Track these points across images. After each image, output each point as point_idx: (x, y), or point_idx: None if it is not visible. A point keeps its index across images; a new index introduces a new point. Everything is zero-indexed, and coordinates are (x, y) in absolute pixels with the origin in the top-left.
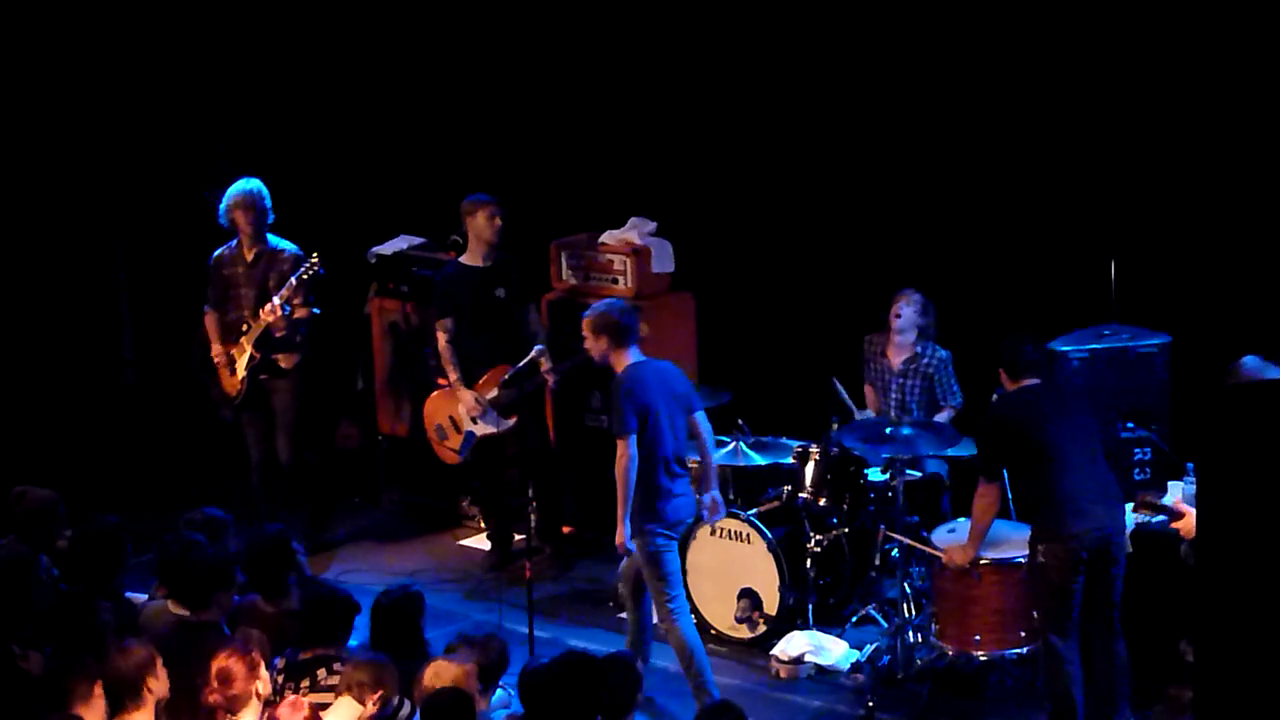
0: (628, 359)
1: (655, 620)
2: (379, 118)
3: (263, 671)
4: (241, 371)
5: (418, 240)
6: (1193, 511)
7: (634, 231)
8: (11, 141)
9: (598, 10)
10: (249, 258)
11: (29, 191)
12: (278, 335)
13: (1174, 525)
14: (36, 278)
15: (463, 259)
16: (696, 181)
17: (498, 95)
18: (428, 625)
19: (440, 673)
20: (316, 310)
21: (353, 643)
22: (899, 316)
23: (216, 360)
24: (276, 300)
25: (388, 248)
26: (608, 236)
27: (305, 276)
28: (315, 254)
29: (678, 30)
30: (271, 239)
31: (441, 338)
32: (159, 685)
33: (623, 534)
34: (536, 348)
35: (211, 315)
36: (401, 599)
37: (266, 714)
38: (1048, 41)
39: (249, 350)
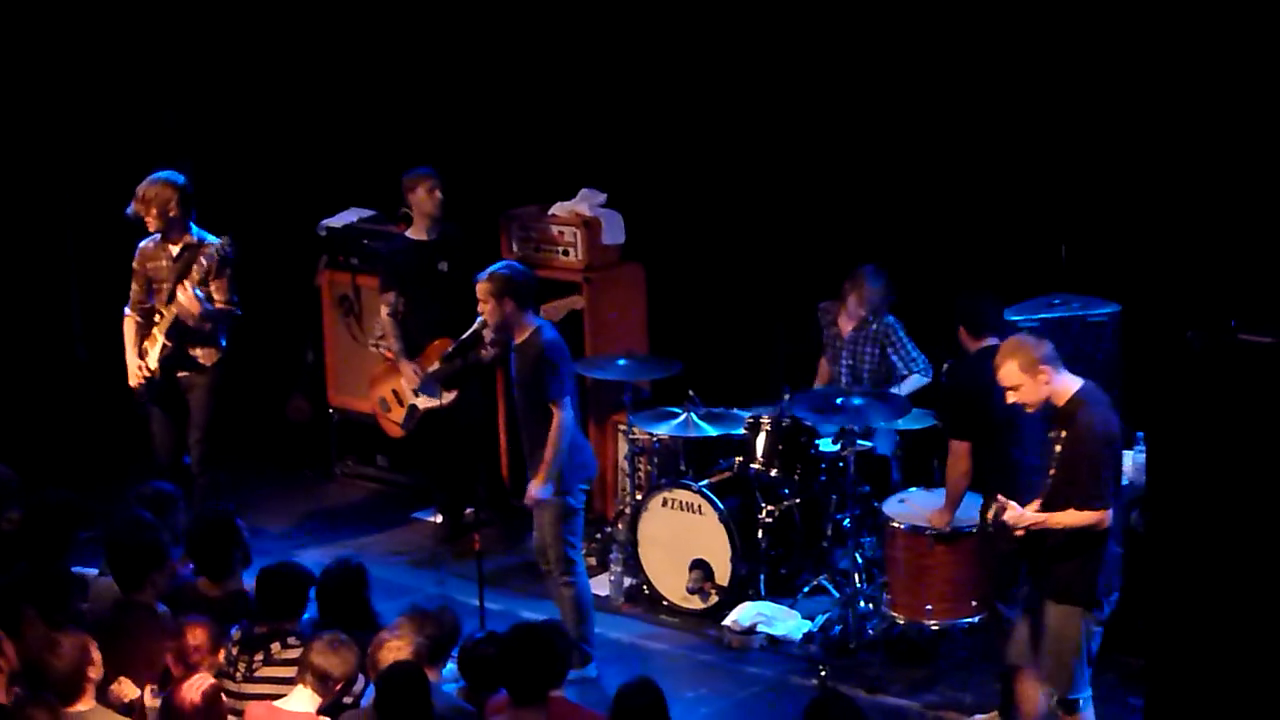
0: (533, 324)
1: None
2: (329, 90)
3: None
4: (154, 364)
5: (368, 213)
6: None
7: (584, 203)
8: None
9: None
10: (173, 251)
11: None
12: (191, 325)
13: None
14: None
15: (408, 233)
16: (646, 153)
17: (448, 66)
18: (378, 598)
19: (388, 648)
20: (238, 312)
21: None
22: (870, 299)
23: (141, 374)
24: (188, 285)
25: (338, 220)
26: (558, 208)
27: (217, 258)
28: (226, 235)
29: (629, 3)
30: (195, 231)
31: (383, 310)
32: (96, 671)
33: (541, 489)
34: (478, 320)
35: (132, 321)
36: (343, 573)
37: (170, 690)
38: (998, 17)
39: (160, 339)
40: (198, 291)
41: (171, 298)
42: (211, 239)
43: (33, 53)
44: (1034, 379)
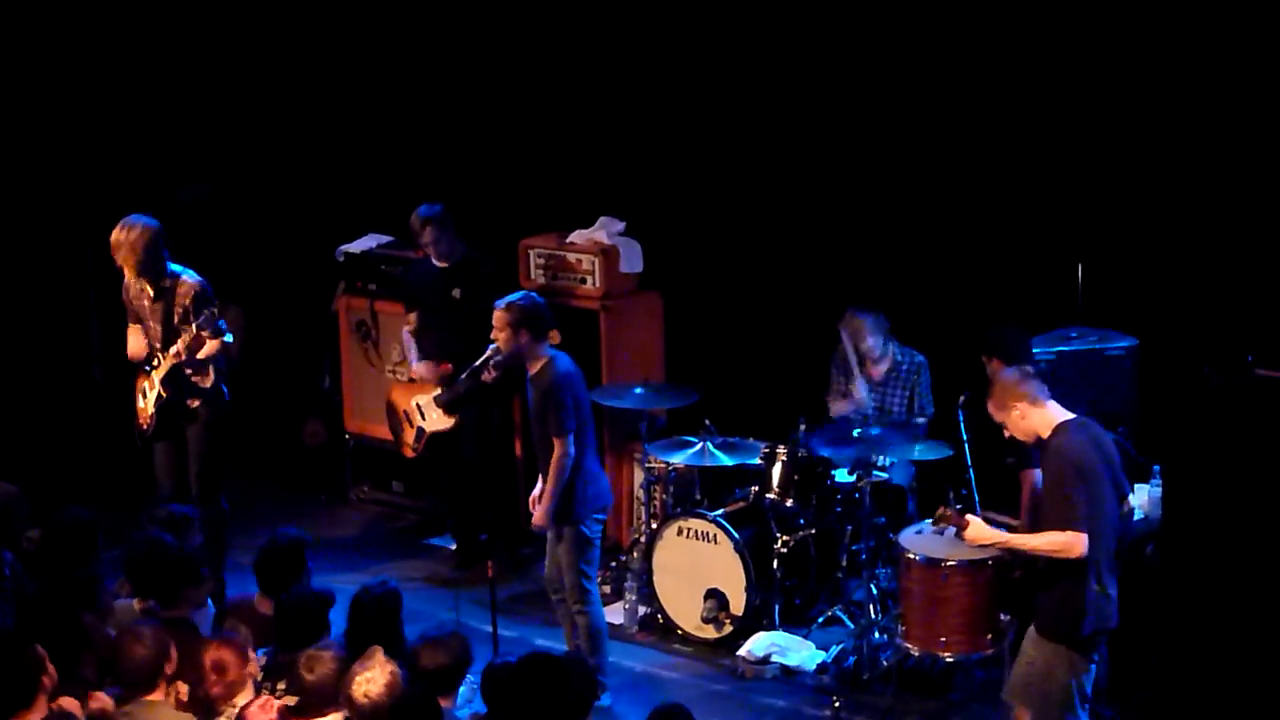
0: (546, 355)
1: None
2: (349, 117)
3: (253, 655)
4: (150, 408)
5: (386, 239)
6: (973, 519)
7: (602, 231)
8: None
9: (569, 10)
10: (151, 292)
11: None
12: (192, 378)
13: (962, 534)
14: (3, 272)
15: (433, 259)
16: (665, 181)
17: (468, 94)
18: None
19: (359, 680)
20: (229, 338)
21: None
22: (869, 346)
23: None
24: (179, 346)
25: (356, 246)
26: (576, 236)
27: (193, 296)
28: (228, 335)
29: (648, 31)
30: (172, 268)
31: (405, 329)
32: (172, 666)
33: (545, 518)
34: (491, 347)
35: (135, 330)
36: (382, 595)
37: (238, 713)
38: (1015, 46)
39: (158, 389)
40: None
41: (166, 343)
42: (191, 276)
43: (57, 73)
44: (1008, 414)
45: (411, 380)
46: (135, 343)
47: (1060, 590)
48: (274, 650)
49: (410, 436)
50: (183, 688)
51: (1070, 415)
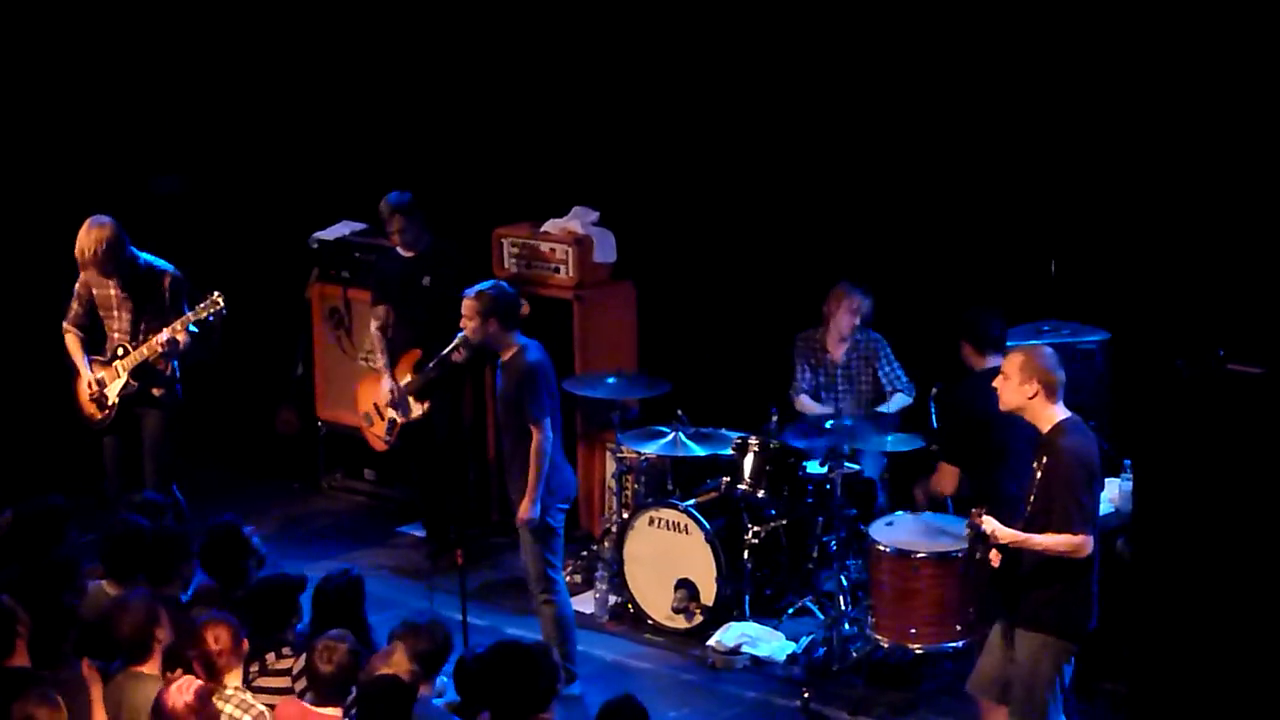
0: (518, 343)
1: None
2: (322, 103)
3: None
4: (113, 398)
5: (359, 226)
6: (987, 518)
7: (576, 221)
8: None
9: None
10: (116, 283)
11: None
12: (157, 365)
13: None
14: None
15: (398, 248)
16: (639, 172)
17: (442, 81)
18: (366, 612)
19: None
20: (194, 329)
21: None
22: (851, 322)
23: (91, 391)
24: (166, 335)
25: (330, 233)
26: (550, 225)
27: (206, 318)
28: (217, 293)
29: (621, 19)
30: (144, 258)
31: (372, 324)
32: (164, 634)
33: (530, 510)
34: (459, 335)
35: (74, 336)
36: (343, 585)
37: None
38: (990, 37)
39: (124, 377)
40: (193, 328)
41: (134, 334)
42: (164, 266)
43: (42, 64)
44: (1019, 385)
45: (377, 372)
46: (75, 347)
47: (1057, 586)
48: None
49: (381, 429)
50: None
51: (1066, 412)
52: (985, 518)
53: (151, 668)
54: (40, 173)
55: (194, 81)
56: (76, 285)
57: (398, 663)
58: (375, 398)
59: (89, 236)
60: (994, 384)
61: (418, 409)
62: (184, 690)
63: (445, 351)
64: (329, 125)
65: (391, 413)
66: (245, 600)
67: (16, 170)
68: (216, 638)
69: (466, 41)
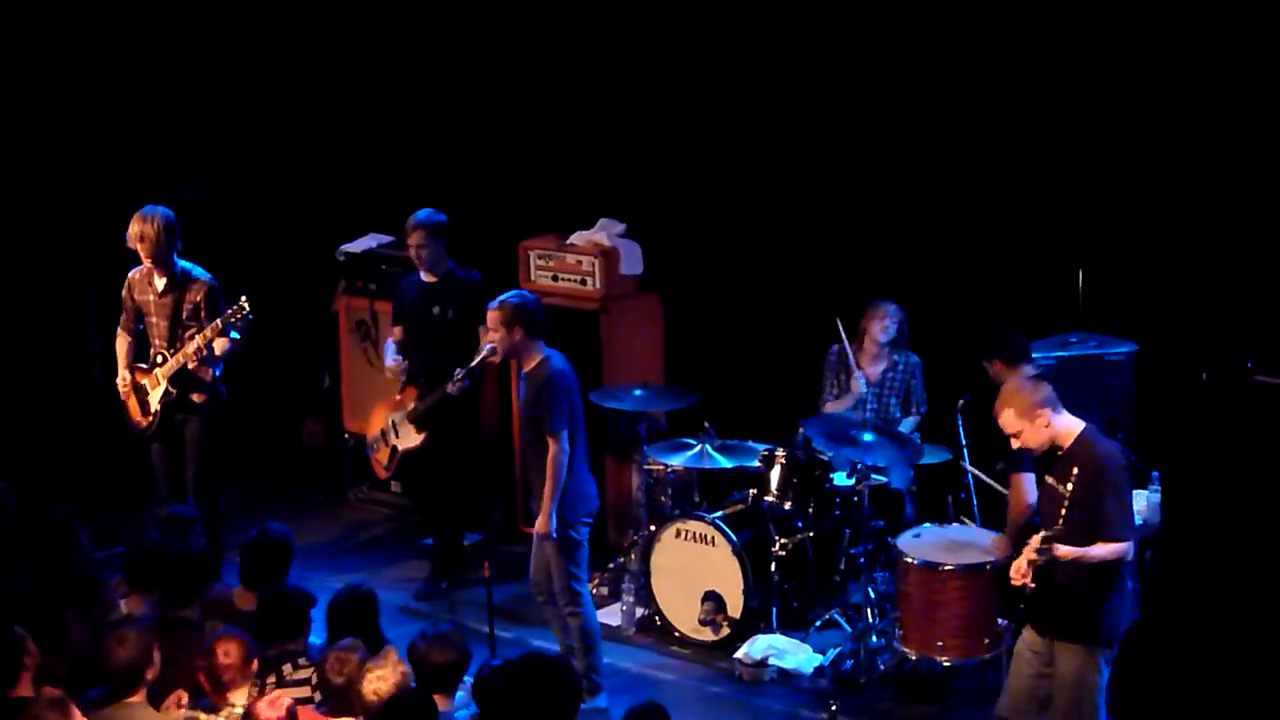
0: (541, 353)
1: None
2: (350, 116)
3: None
4: (155, 405)
5: (387, 239)
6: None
7: (603, 233)
8: None
9: (570, 11)
10: (159, 287)
11: None
12: (198, 373)
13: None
14: (3, 272)
15: (420, 273)
16: (666, 183)
17: (470, 95)
18: (388, 625)
19: (369, 678)
20: (235, 334)
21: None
22: (884, 332)
23: (122, 389)
24: (199, 342)
25: (357, 246)
26: (576, 237)
27: (235, 321)
28: (244, 297)
29: (649, 32)
30: (182, 265)
31: (390, 340)
32: (153, 671)
33: (548, 523)
34: (486, 348)
35: (124, 339)
36: (353, 598)
37: (246, 709)
38: (1018, 51)
39: (164, 385)
40: (199, 339)
41: (172, 340)
42: (200, 273)
43: (52, 75)
44: (1033, 423)
45: (396, 398)
46: (123, 352)
47: (1105, 595)
48: (258, 648)
49: (384, 456)
50: (183, 695)
51: (1080, 423)
52: (1058, 545)
53: (139, 698)
54: (69, 184)
55: (222, 92)
56: (122, 293)
57: (383, 675)
58: (383, 424)
59: (146, 221)
60: (1015, 446)
61: (416, 439)
62: (276, 705)
63: (472, 364)
64: (356, 137)
65: (395, 440)
66: (257, 611)
67: (46, 182)
68: (227, 652)
69: (495, 54)
